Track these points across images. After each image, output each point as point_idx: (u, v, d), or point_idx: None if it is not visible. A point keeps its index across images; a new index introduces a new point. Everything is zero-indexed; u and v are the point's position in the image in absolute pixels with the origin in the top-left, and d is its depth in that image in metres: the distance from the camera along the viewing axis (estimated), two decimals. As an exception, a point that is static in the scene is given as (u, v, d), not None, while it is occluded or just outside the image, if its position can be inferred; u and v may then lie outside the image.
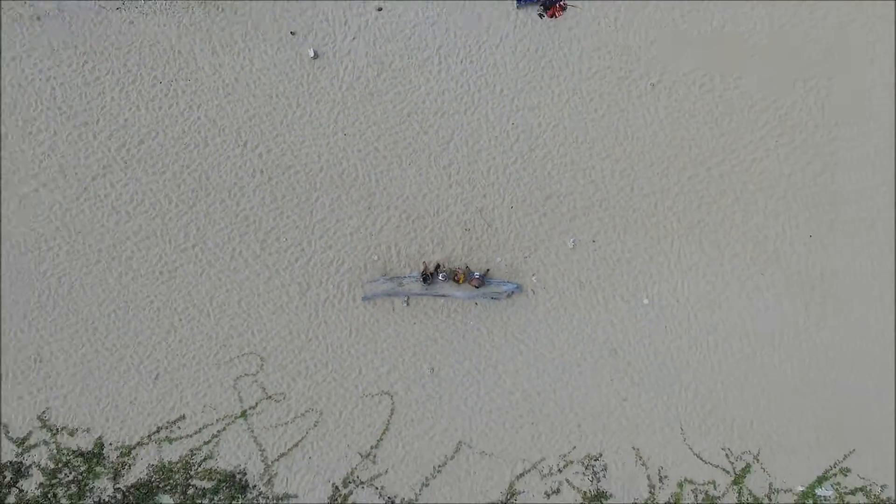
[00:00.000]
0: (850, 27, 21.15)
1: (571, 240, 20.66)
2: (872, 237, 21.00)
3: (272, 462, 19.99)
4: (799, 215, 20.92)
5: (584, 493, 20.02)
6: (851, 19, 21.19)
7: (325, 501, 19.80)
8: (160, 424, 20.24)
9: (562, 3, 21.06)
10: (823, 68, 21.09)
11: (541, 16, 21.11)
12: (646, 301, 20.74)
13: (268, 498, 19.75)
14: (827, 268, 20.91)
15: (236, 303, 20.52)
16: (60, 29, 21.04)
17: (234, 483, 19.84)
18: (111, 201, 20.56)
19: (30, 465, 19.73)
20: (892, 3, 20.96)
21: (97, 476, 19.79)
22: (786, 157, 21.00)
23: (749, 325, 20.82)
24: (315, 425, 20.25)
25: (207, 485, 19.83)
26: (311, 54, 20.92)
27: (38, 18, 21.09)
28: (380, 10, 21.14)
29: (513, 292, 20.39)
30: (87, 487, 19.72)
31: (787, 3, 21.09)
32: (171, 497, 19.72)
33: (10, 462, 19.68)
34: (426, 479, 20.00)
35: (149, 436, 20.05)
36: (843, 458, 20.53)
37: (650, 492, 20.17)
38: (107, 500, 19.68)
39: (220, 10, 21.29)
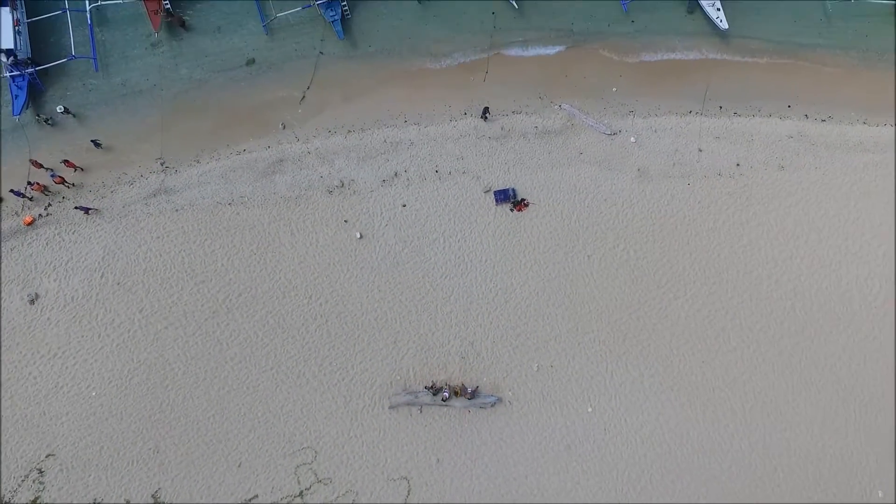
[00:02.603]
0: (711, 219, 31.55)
1: (536, 365, 29.57)
2: (754, 361, 29.82)
3: (321, 530, 27.47)
4: (694, 345, 29.93)
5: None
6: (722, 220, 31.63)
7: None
8: (240, 501, 27.93)
9: (525, 201, 31.64)
10: (705, 242, 31.11)
11: (511, 210, 31.60)
12: (590, 409, 29.22)
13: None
14: (717, 384, 29.59)
15: (299, 410, 29.03)
16: (190, 217, 31.52)
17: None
18: (217, 336, 29.80)
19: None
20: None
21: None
22: (682, 306, 30.43)
23: (665, 426, 29.10)
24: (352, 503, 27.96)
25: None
26: (358, 236, 31.18)
27: (177, 210, 31.66)
28: (404, 206, 31.73)
29: (495, 403, 28.96)
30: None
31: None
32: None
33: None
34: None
35: (232, 509, 27.69)
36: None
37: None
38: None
39: (297, 204, 31.89)
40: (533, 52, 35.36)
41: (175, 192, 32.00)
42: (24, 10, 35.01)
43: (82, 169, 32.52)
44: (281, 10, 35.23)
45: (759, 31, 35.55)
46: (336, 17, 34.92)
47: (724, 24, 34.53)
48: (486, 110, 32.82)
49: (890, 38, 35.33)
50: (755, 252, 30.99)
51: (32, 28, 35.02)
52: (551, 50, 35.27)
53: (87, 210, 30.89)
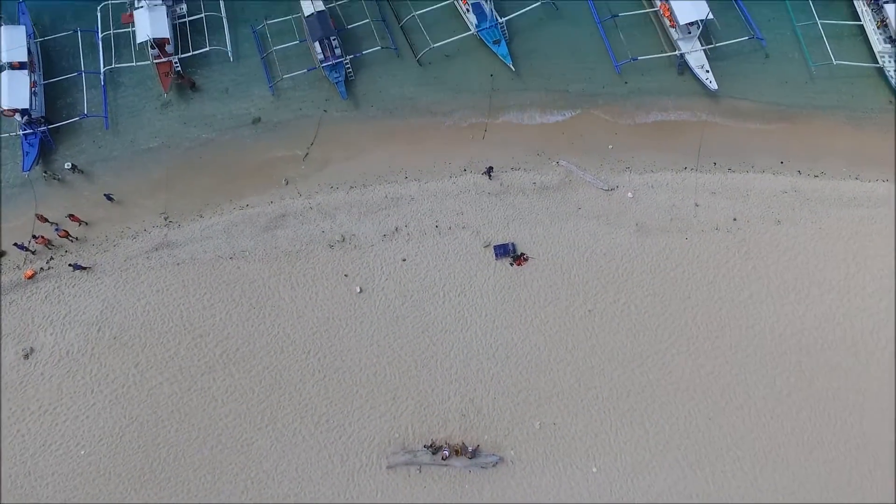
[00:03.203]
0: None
1: (538, 422, 28.80)
2: (762, 418, 29.03)
3: None
4: (699, 401, 29.24)
5: None
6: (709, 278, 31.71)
7: None
8: (229, 568, 26.54)
9: (525, 256, 31.79)
10: (705, 296, 30.98)
11: (511, 265, 31.70)
12: (595, 469, 28.22)
13: None
14: (725, 442, 28.68)
15: (294, 469, 28.03)
16: (191, 271, 31.62)
17: None
18: (212, 392, 29.22)
19: None
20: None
21: None
22: (686, 361, 29.95)
23: (673, 487, 27.98)
24: (347, 570, 26.52)
25: None
26: (358, 290, 31.14)
27: (178, 264, 31.79)
28: (404, 260, 31.85)
29: (497, 463, 28.00)
30: None
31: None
32: None
33: None
34: None
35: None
36: None
37: None
38: None
39: (298, 258, 32.03)
40: (530, 112, 36.50)
41: (177, 245, 32.25)
42: (41, 72, 36.56)
43: (87, 223, 32.98)
44: (287, 72, 36.73)
45: (747, 92, 36.89)
46: (340, 79, 36.35)
47: (714, 86, 35.84)
48: (490, 169, 33.49)
49: (874, 98, 36.57)
50: (757, 306, 30.80)
51: (48, 88, 36.45)
52: (550, 115, 36.34)
53: (81, 268, 30.98)
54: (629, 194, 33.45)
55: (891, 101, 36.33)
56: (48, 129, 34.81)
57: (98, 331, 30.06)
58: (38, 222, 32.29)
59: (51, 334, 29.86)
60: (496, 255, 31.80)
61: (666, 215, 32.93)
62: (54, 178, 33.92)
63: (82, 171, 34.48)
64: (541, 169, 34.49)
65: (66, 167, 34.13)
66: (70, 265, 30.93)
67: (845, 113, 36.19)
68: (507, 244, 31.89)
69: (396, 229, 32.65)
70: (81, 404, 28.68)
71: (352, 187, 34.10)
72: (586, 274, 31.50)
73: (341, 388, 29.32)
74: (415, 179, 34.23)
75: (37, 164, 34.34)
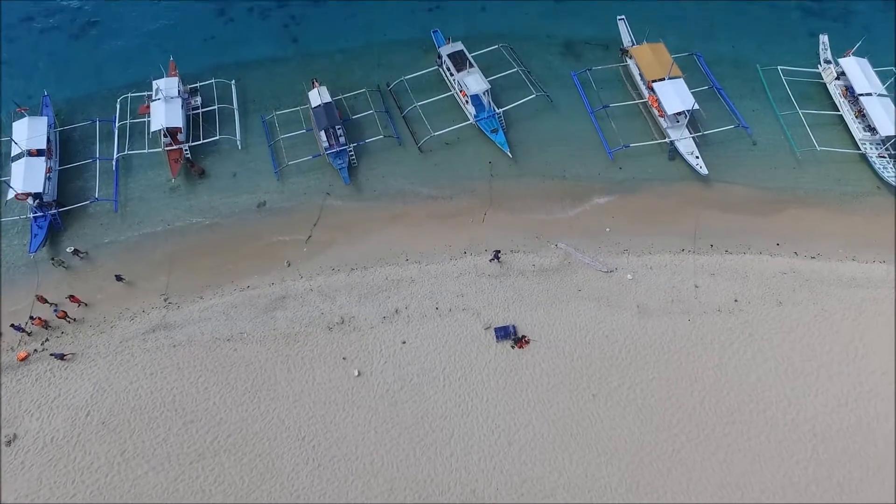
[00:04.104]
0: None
1: (543, 516, 27.06)
2: None
3: None
4: (714, 492, 27.57)
5: None
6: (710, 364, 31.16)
7: None
8: None
9: (526, 338, 31.35)
10: (712, 379, 30.16)
11: (512, 347, 31.20)
12: (606, 571, 26.14)
13: None
14: (745, 542, 26.79)
15: (282, 570, 26.03)
16: (187, 353, 31.09)
17: None
18: (200, 482, 27.71)
19: None
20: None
21: None
22: (696, 448, 28.62)
23: None
24: None
25: None
26: (356, 373, 30.44)
27: (174, 346, 31.32)
28: (404, 343, 31.40)
29: (500, 562, 26.00)
30: None
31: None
32: None
33: None
34: None
35: None
36: None
37: None
38: None
39: (296, 340, 31.61)
40: (528, 196, 37.50)
41: (175, 327, 31.98)
42: (58, 158, 38.10)
43: (86, 304, 32.92)
44: (293, 159, 38.21)
45: (738, 177, 38.15)
46: (343, 165, 37.73)
47: (704, 171, 37.10)
48: (497, 253, 33.86)
49: (860, 182, 37.74)
50: (766, 390, 29.93)
51: (62, 172, 37.85)
52: (547, 199, 37.26)
53: (62, 357, 30.40)
54: (629, 276, 33.59)
55: (878, 187, 37.43)
56: (58, 212, 35.67)
57: (86, 415, 29.08)
58: (37, 303, 32.24)
59: (37, 419, 28.86)
60: (497, 337, 31.41)
61: (667, 297, 32.87)
62: (60, 265, 34.24)
63: (86, 254, 34.91)
64: (540, 251, 34.89)
65: (67, 250, 34.57)
66: (51, 354, 30.36)
67: (835, 196, 37.21)
68: (508, 326, 31.59)
69: (396, 311, 32.50)
70: (60, 495, 27.12)
71: (353, 269, 34.35)
72: (589, 357, 30.92)
73: (336, 477, 27.85)
74: (415, 261, 34.55)
75: (43, 247, 34.87)
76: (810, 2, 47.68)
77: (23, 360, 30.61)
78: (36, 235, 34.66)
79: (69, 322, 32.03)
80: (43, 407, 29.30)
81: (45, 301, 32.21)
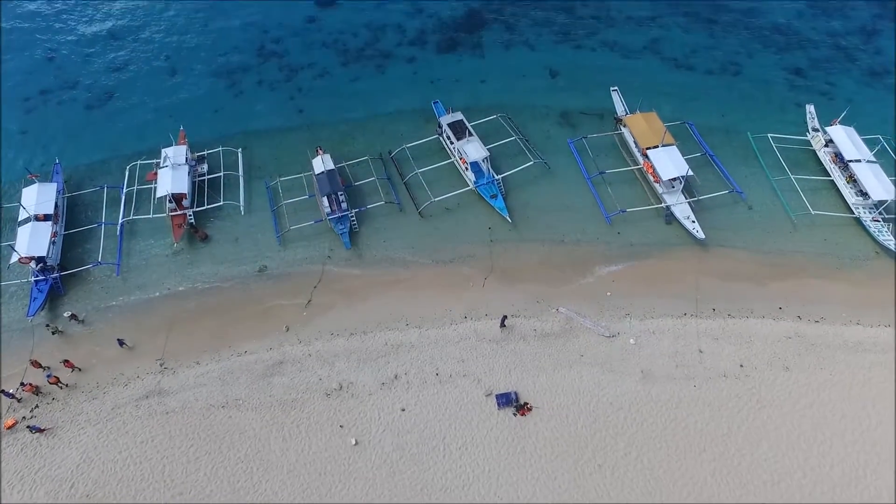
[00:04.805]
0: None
1: None
2: None
3: None
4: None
5: None
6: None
7: None
8: None
9: (528, 405, 30.53)
10: (722, 448, 29.04)
11: (514, 415, 30.32)
12: None
13: None
14: None
15: None
16: (180, 421, 30.20)
17: None
18: (185, 562, 26.16)
19: None
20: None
21: None
22: (710, 526, 27.25)
23: None
24: None
25: None
26: (353, 442, 29.43)
27: (167, 413, 30.47)
28: (403, 410, 30.56)
29: None
30: None
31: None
32: None
33: None
34: None
35: None
36: None
37: None
38: None
39: (293, 407, 30.78)
40: (528, 261, 37.66)
41: (169, 394, 31.28)
42: (63, 223, 38.70)
43: (80, 369, 32.38)
44: (295, 224, 38.77)
45: (735, 241, 38.51)
46: (345, 230, 38.22)
47: (701, 234, 37.49)
48: (504, 319, 33.58)
49: (857, 246, 38.01)
50: (779, 460, 28.77)
51: (67, 236, 38.29)
52: (547, 264, 37.41)
53: (39, 430, 29.44)
54: (631, 340, 33.17)
55: (877, 252, 37.65)
56: (59, 276, 35.78)
57: (70, 488, 27.86)
58: (31, 368, 31.72)
59: (18, 492, 27.63)
60: (499, 404, 30.62)
61: (671, 362, 32.30)
62: (55, 332, 33.98)
63: (82, 321, 34.70)
64: (541, 316, 34.64)
65: (64, 315, 34.40)
66: (28, 427, 29.43)
67: (833, 260, 37.38)
68: (510, 393, 30.86)
69: (396, 377, 31.87)
70: (36, 578, 25.58)
71: (352, 334, 34.00)
72: (594, 424, 29.99)
73: (329, 557, 26.32)
74: (415, 326, 34.25)
75: (42, 310, 34.73)
76: (794, 76, 49.94)
77: (10, 427, 29.72)
78: (35, 299, 34.59)
79: (61, 388, 31.38)
80: (25, 479, 28.15)
81: (39, 366, 31.70)
